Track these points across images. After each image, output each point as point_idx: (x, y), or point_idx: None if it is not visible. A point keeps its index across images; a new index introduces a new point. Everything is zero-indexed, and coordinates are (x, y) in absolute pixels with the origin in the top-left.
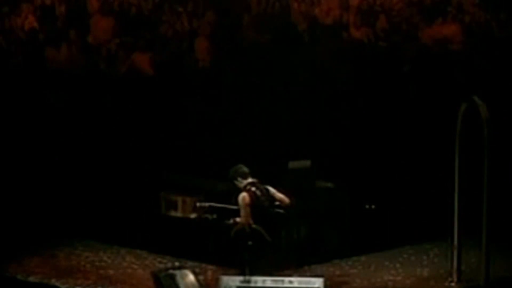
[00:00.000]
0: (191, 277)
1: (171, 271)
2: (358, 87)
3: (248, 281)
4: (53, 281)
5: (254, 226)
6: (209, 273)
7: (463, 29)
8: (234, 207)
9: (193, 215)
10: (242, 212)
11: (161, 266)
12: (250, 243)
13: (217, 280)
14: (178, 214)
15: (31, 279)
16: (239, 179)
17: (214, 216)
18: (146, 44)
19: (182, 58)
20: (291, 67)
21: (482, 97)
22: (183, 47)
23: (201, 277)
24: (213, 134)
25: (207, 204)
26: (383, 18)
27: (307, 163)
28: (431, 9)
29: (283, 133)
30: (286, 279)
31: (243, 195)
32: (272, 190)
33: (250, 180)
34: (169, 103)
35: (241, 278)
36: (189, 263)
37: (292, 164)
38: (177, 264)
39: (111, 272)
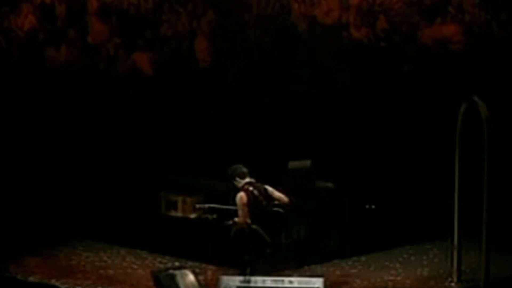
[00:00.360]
0: (191, 277)
1: (171, 271)
2: (358, 87)
3: (248, 281)
4: (53, 281)
5: (253, 226)
6: (209, 273)
7: (463, 29)
8: (234, 207)
9: (193, 215)
10: (240, 212)
11: (161, 266)
12: (249, 244)
13: (217, 280)
14: (178, 214)
15: (31, 279)
16: (237, 179)
17: (214, 216)
18: (146, 44)
19: (182, 58)
20: (291, 67)
21: (482, 97)
22: (183, 47)
23: (201, 277)
24: (213, 134)
25: (206, 206)
26: (383, 18)
27: (307, 163)
28: (431, 9)
29: (283, 133)
30: (286, 279)
31: (241, 195)
32: (270, 189)
33: (248, 180)
34: (169, 103)
35: (241, 278)
36: (189, 263)
37: (292, 164)
38: (177, 264)
39: (111, 272)
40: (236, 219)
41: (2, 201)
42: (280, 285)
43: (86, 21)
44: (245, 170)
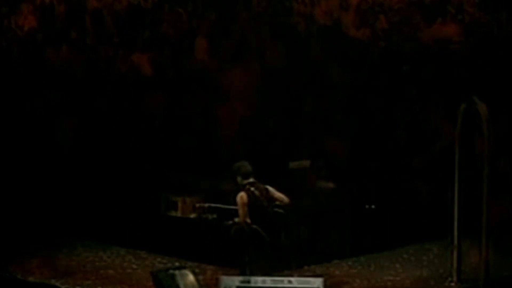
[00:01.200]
0: (191, 277)
1: (171, 271)
2: (358, 87)
3: (248, 281)
4: (53, 282)
5: (253, 226)
6: (209, 273)
7: (463, 29)
8: (234, 207)
9: (193, 215)
10: (240, 212)
11: (161, 266)
12: (249, 244)
13: (217, 280)
14: (178, 214)
15: (31, 279)
16: (241, 177)
17: (214, 216)
18: (145, 44)
19: (182, 58)
20: (291, 67)
21: (482, 97)
22: (183, 47)
23: (201, 277)
24: (213, 134)
25: (206, 205)
26: (383, 18)
27: (307, 163)
28: (431, 9)
29: (283, 133)
30: (286, 279)
31: (241, 195)
32: (271, 189)
33: (251, 180)
34: (169, 103)
35: (241, 278)
36: (189, 263)
37: (292, 164)
38: (177, 264)
39: (111, 272)
40: (236, 219)
41: (3, 202)
42: (280, 285)
43: (86, 21)
44: (250, 169)
